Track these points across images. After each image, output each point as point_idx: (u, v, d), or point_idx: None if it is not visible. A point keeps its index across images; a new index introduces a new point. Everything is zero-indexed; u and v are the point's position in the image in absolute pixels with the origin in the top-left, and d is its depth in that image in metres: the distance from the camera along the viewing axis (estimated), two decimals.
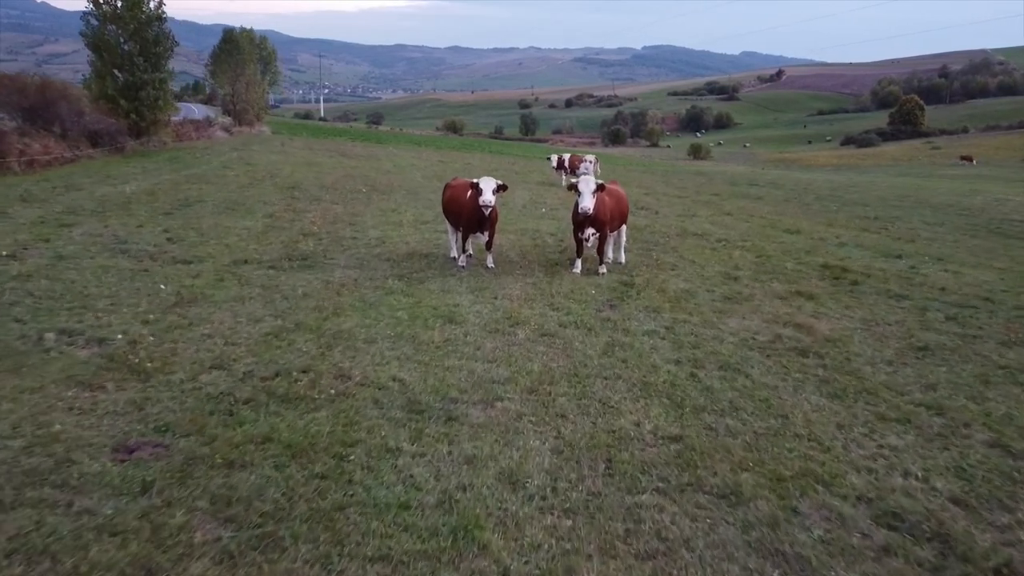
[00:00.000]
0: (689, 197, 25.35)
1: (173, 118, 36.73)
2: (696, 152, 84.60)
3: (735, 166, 65.01)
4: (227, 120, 55.36)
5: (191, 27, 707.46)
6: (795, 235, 16.31)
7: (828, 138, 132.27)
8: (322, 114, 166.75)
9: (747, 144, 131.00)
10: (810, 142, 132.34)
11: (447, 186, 12.15)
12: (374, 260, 11.47)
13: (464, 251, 11.47)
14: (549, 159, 27.46)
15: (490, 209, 10.46)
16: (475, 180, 10.56)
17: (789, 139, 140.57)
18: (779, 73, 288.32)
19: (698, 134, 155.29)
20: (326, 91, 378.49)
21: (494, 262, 11.46)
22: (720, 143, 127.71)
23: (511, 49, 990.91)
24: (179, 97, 75.31)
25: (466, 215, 10.94)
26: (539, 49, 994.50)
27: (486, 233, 11.06)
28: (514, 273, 11.00)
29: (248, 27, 66.44)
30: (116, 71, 31.33)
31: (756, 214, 20.67)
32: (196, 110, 58.58)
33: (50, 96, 25.77)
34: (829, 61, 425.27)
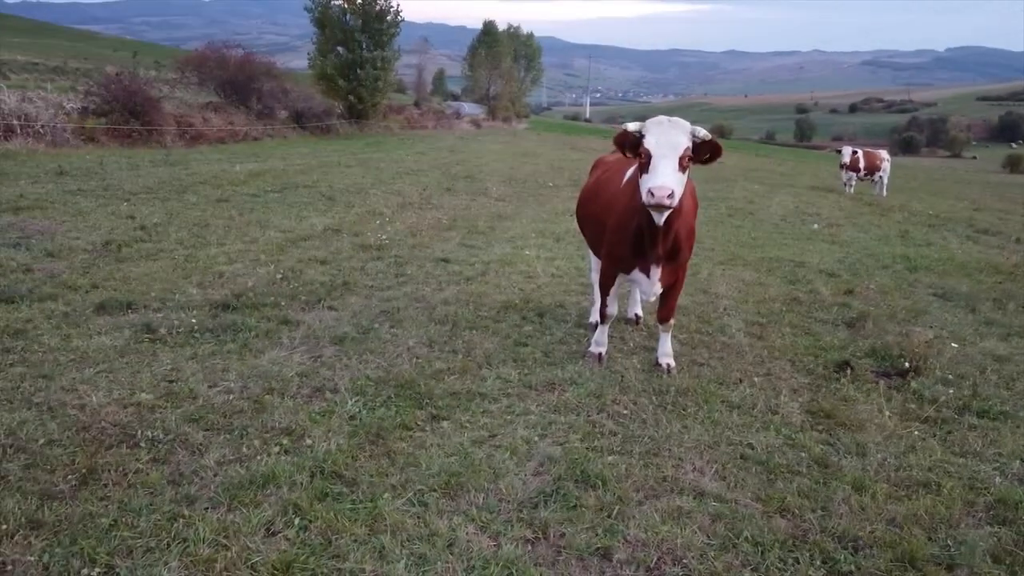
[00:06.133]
0: None
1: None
2: (1015, 165, 66.99)
3: None
4: (478, 114, 53.75)
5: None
6: None
7: None
8: (587, 115, 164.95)
9: None
10: None
11: (596, 164, 6.04)
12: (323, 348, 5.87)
13: (605, 311, 5.06)
14: (840, 152, 20.11)
15: (667, 211, 4.10)
16: (633, 128, 4.13)
17: None
18: None
19: (1014, 144, 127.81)
20: (597, 95, 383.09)
21: (673, 359, 5.04)
22: None
23: (792, 52, 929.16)
24: (456, 97, 77.87)
25: (612, 226, 4.74)
26: (823, 52, 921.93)
27: (656, 274, 4.58)
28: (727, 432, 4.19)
29: (514, 26, 65.97)
30: (339, 48, 29.64)
31: None
32: (466, 108, 58.35)
33: (250, 72, 24.08)
34: None
